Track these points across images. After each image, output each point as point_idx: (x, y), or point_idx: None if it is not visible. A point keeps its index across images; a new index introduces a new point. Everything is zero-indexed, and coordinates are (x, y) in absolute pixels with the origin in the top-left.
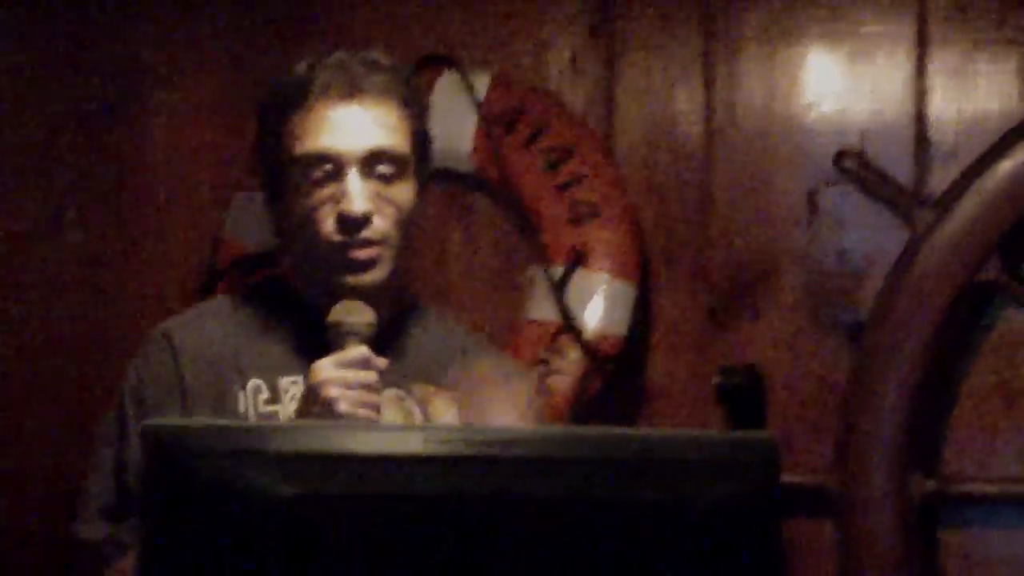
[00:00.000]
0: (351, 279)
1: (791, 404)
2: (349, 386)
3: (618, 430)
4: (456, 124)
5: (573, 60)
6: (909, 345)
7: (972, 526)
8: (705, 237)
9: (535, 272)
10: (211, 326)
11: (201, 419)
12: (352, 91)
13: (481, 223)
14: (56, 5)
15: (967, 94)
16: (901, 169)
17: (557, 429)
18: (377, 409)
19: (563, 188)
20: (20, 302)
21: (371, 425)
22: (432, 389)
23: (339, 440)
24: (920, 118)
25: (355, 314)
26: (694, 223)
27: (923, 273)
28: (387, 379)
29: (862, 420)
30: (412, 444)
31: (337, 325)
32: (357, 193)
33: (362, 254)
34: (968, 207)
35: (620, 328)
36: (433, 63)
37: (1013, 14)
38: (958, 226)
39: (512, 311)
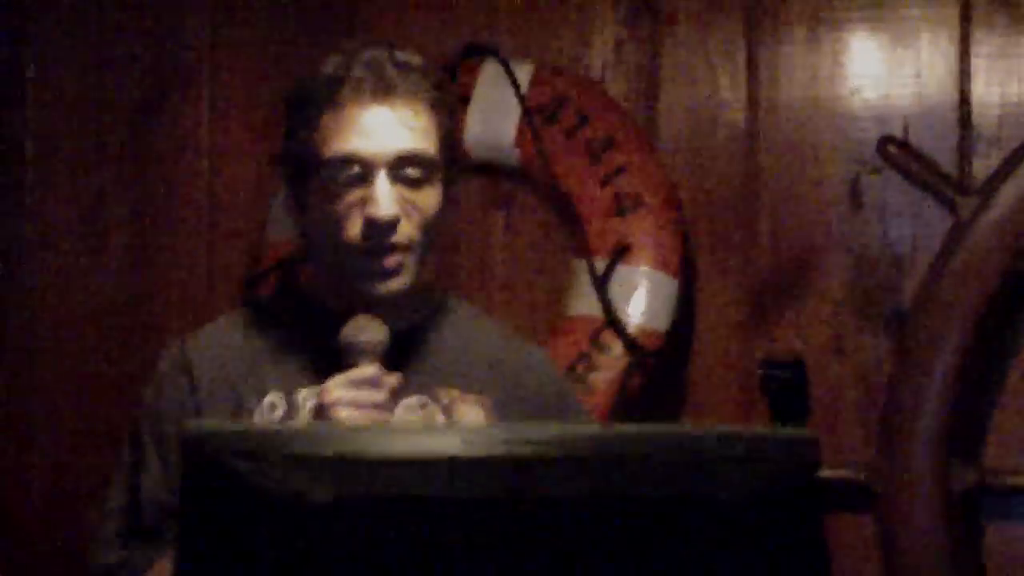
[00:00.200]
0: (376, 286)
1: (834, 395)
2: (359, 406)
3: (655, 427)
4: (499, 115)
5: (616, 49)
6: (952, 334)
7: (1016, 518)
8: (748, 227)
9: (578, 266)
10: (228, 342)
11: (240, 423)
12: (383, 93)
13: (524, 215)
14: (98, 3)
15: (1011, 79)
16: (945, 155)
17: (591, 428)
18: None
19: (606, 180)
20: (63, 299)
21: (410, 427)
22: (458, 393)
23: (377, 442)
24: (964, 103)
25: (367, 331)
26: (737, 213)
27: (966, 261)
28: (411, 384)
29: (905, 411)
30: (450, 446)
31: (349, 342)
32: (385, 197)
33: (389, 262)
34: (1011, 193)
35: (663, 322)
36: (476, 53)
37: None
38: (1001, 213)
39: (554, 306)
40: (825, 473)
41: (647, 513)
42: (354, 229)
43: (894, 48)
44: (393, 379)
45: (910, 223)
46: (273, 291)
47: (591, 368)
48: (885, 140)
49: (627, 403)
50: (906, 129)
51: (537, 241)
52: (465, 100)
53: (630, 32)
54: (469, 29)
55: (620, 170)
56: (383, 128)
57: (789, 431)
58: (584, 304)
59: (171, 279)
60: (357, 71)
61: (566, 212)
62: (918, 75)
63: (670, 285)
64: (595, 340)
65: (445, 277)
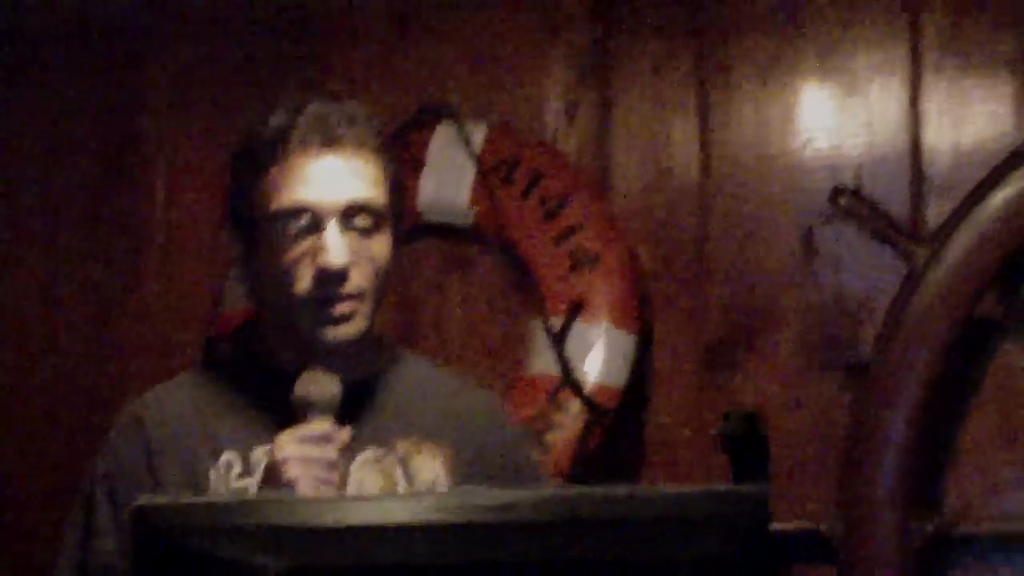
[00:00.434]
0: (328, 333)
1: (793, 448)
2: (309, 463)
3: (607, 488)
4: (453, 176)
5: (568, 108)
6: (910, 384)
7: (976, 568)
8: (703, 281)
9: (535, 324)
10: (180, 402)
11: (188, 497)
12: (330, 143)
13: (480, 276)
14: (58, 70)
15: (962, 125)
16: (897, 203)
17: (542, 491)
18: (337, 487)
19: (560, 238)
20: (23, 363)
21: (361, 496)
22: (415, 444)
23: (327, 512)
24: (915, 151)
25: (319, 386)
26: (692, 267)
27: (921, 310)
28: (366, 438)
29: (864, 463)
30: (401, 513)
31: (301, 397)
32: (336, 246)
33: (340, 308)
34: (964, 241)
35: (620, 379)
36: (429, 115)
37: (1005, 43)
38: (955, 260)
39: (512, 365)
40: (785, 526)
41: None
42: (305, 280)
43: (845, 98)
44: (344, 434)
45: (865, 273)
46: (229, 352)
47: (549, 427)
48: (837, 190)
49: (586, 461)
50: (858, 178)
51: (494, 301)
52: (419, 161)
53: (582, 91)
54: (422, 90)
55: (574, 228)
56: (332, 178)
57: (739, 487)
58: (541, 363)
59: (129, 347)
60: (303, 123)
61: (522, 271)
62: (869, 124)
63: (627, 342)
64: (553, 399)
65: (402, 338)
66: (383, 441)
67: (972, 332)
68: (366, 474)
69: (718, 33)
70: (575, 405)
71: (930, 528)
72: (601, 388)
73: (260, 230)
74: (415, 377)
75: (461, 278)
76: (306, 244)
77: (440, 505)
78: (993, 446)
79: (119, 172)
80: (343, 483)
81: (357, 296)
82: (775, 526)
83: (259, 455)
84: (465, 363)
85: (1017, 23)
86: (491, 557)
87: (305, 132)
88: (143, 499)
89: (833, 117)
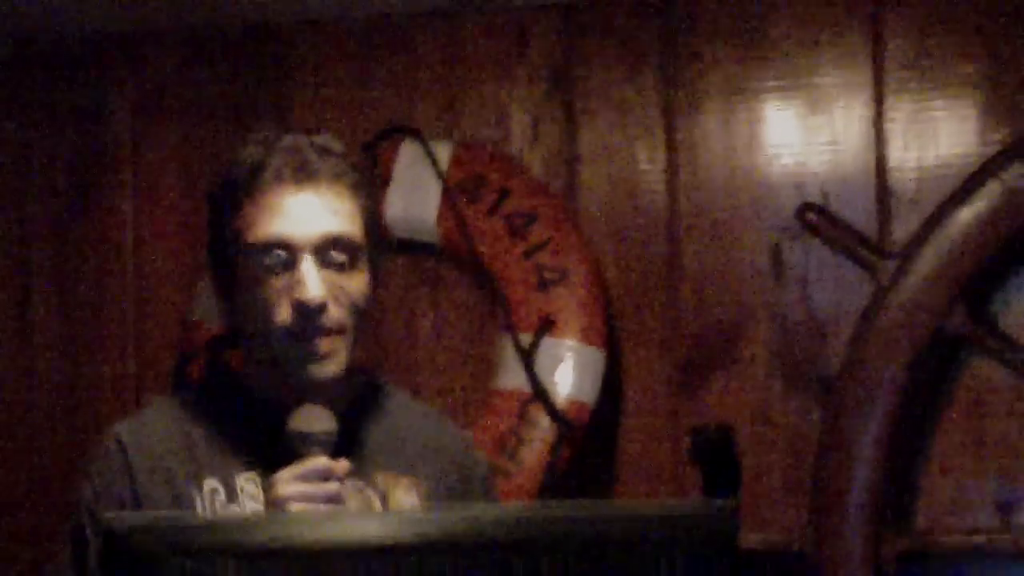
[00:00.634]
0: (308, 371)
1: (763, 463)
2: (312, 501)
3: (573, 506)
4: (419, 194)
5: (534, 125)
6: (879, 398)
7: None
8: (672, 297)
9: (504, 340)
10: (161, 429)
11: (161, 515)
12: (305, 177)
13: (449, 293)
14: (24, 95)
15: (926, 141)
16: (864, 219)
17: (509, 508)
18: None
19: (528, 255)
20: None
21: (334, 513)
22: (393, 478)
23: (301, 531)
24: (880, 167)
25: (317, 422)
26: (660, 284)
27: (889, 325)
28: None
29: (834, 477)
30: (377, 531)
31: (298, 432)
32: (312, 280)
33: (320, 345)
34: (931, 256)
35: (590, 395)
36: (395, 133)
37: (968, 60)
38: (922, 276)
39: (482, 381)
40: (757, 540)
41: None
42: (283, 314)
43: (809, 115)
44: (342, 467)
45: (832, 288)
46: (203, 376)
47: (520, 442)
48: (804, 207)
49: (557, 476)
50: (825, 195)
51: (462, 317)
52: (385, 180)
53: (547, 108)
54: (388, 109)
55: (542, 245)
56: (307, 212)
57: (707, 502)
58: (511, 378)
59: (99, 369)
60: (277, 157)
61: (490, 288)
62: (834, 141)
63: (596, 358)
64: (523, 414)
65: (372, 356)
66: (363, 474)
67: (940, 346)
68: (351, 504)
69: (684, 50)
70: (545, 420)
71: (902, 543)
72: (571, 403)
73: (238, 264)
74: (393, 411)
75: (429, 295)
76: (282, 279)
77: (407, 524)
78: (964, 460)
79: (88, 194)
80: None
81: (337, 331)
82: (747, 540)
83: (241, 482)
84: (434, 378)
85: (980, 42)
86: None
87: (279, 166)
88: (112, 518)
89: (798, 135)
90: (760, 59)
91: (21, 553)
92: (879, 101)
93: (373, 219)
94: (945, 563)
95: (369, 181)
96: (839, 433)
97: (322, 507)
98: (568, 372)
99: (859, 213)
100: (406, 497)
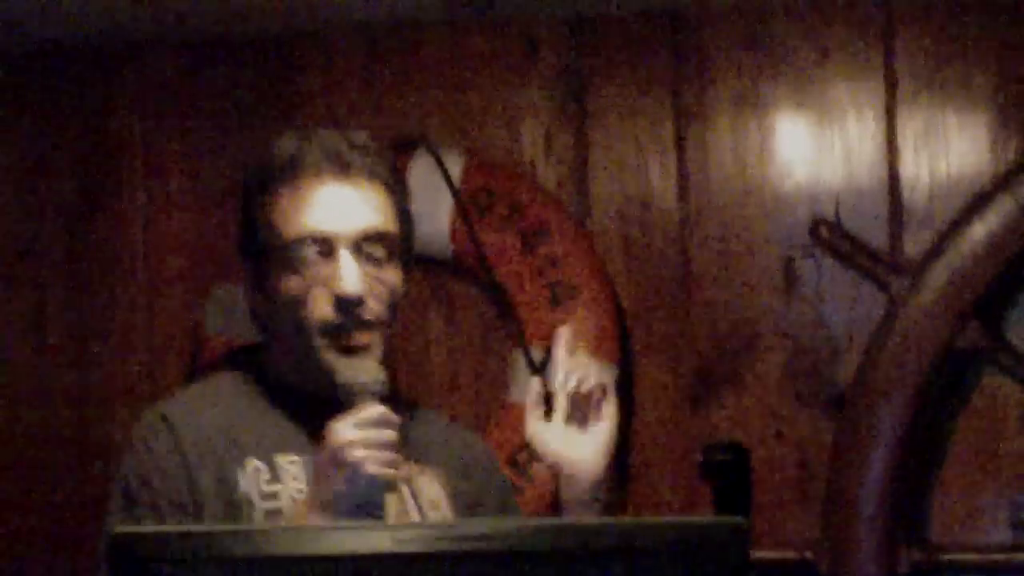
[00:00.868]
0: (345, 366)
1: (775, 478)
2: (372, 446)
3: (587, 520)
4: (431, 208)
5: (546, 138)
6: (890, 414)
7: None
8: (684, 313)
9: (516, 354)
10: (206, 407)
11: (169, 526)
12: (342, 172)
13: (461, 307)
14: (34, 100)
15: (939, 156)
16: (876, 235)
17: (522, 522)
18: (397, 467)
19: (540, 269)
20: (5, 394)
21: (339, 526)
22: (417, 467)
23: (303, 541)
24: (893, 183)
25: (367, 372)
26: (672, 299)
27: (901, 341)
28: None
29: (846, 492)
30: (381, 543)
31: (350, 386)
32: (351, 273)
33: (357, 338)
34: (943, 272)
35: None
36: (407, 146)
37: (980, 75)
38: (934, 292)
39: (494, 394)
40: (771, 554)
41: None
42: (321, 307)
43: (822, 130)
44: (396, 417)
45: (844, 304)
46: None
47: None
48: (817, 223)
49: None
50: (837, 210)
51: (475, 331)
52: None
53: (560, 122)
54: (397, 119)
55: (554, 259)
56: (345, 206)
57: (718, 519)
58: (523, 392)
59: (111, 371)
60: (315, 151)
61: (502, 302)
62: (847, 156)
63: (609, 372)
64: None
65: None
66: None
67: (953, 362)
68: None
69: (696, 64)
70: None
71: (916, 556)
72: None
73: (271, 257)
74: (420, 416)
75: (442, 309)
76: (319, 271)
77: (421, 535)
78: (976, 476)
79: (98, 200)
80: None
81: (373, 324)
82: (761, 555)
83: (283, 463)
84: (447, 392)
85: (993, 57)
86: None
87: (318, 160)
88: (121, 527)
89: (810, 149)
90: (772, 73)
91: (33, 554)
92: (891, 116)
93: (406, 215)
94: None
95: (402, 178)
96: (852, 447)
97: (382, 454)
98: None
99: (871, 228)
100: (429, 485)
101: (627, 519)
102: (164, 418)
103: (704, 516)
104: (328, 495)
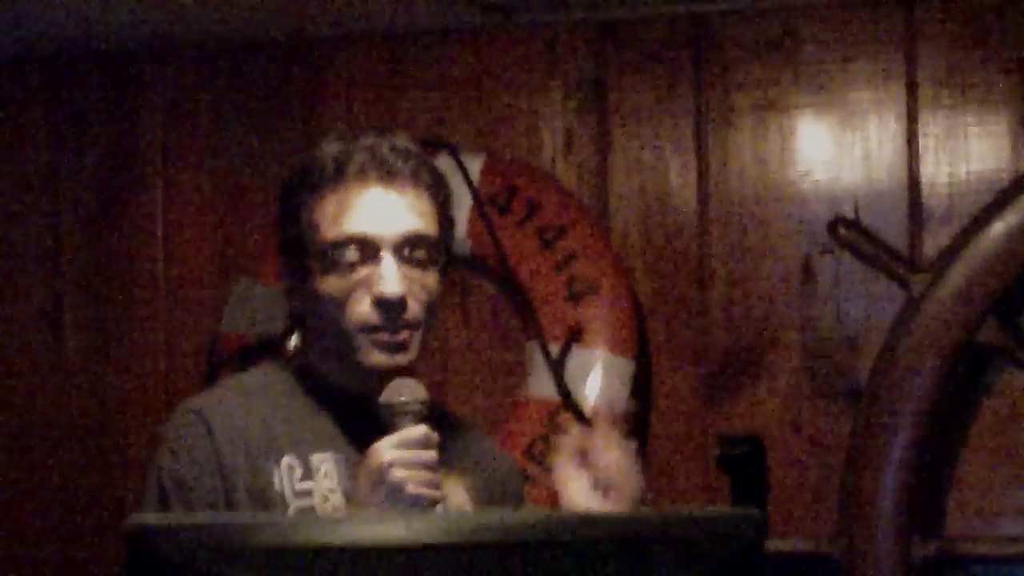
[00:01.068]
0: (382, 358)
1: (793, 471)
2: (413, 467)
3: (600, 511)
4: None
5: (566, 138)
6: (908, 410)
7: None
8: (703, 309)
9: (533, 349)
10: (240, 402)
11: (188, 515)
12: (387, 176)
13: (479, 304)
14: (55, 104)
15: (958, 157)
16: (895, 234)
17: (540, 513)
18: (439, 487)
19: (559, 266)
20: (23, 394)
21: (355, 516)
22: (445, 469)
23: (321, 533)
24: (913, 182)
25: (408, 393)
26: (691, 295)
27: (920, 338)
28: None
29: (863, 486)
30: (400, 533)
31: (391, 406)
32: (393, 276)
33: (398, 337)
34: (962, 270)
35: (619, 403)
36: (427, 146)
37: (1001, 77)
38: (953, 290)
39: (512, 390)
40: (788, 546)
41: None
42: (362, 308)
43: (842, 130)
44: (436, 436)
45: (863, 301)
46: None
47: (549, 449)
48: (836, 221)
49: None
50: (857, 209)
51: (493, 327)
52: None
53: (580, 121)
54: (419, 122)
55: (573, 256)
56: (388, 209)
57: (734, 510)
58: (541, 387)
59: (130, 373)
60: (360, 154)
61: (520, 299)
62: (867, 156)
63: (626, 366)
64: (552, 422)
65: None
66: None
67: (971, 359)
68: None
69: (716, 65)
70: (575, 428)
71: (932, 548)
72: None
73: (313, 257)
74: (446, 422)
75: (460, 305)
76: (362, 273)
77: (439, 526)
78: (994, 470)
79: (118, 203)
80: None
81: (414, 325)
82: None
83: (317, 461)
84: (465, 387)
85: (1013, 58)
86: None
87: (363, 163)
88: (138, 518)
89: (831, 150)
90: (793, 74)
91: (51, 553)
92: (912, 117)
93: (446, 219)
94: (975, 568)
95: (445, 182)
96: (868, 442)
97: (424, 474)
98: (597, 381)
99: (891, 227)
100: (455, 491)
101: (644, 511)
102: (199, 413)
103: (720, 508)
104: None
